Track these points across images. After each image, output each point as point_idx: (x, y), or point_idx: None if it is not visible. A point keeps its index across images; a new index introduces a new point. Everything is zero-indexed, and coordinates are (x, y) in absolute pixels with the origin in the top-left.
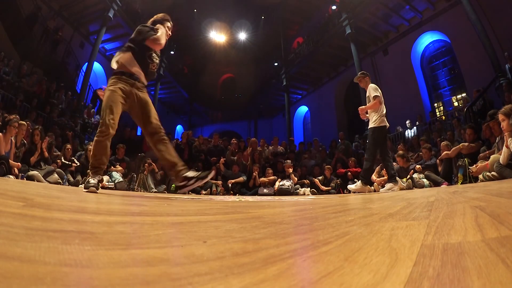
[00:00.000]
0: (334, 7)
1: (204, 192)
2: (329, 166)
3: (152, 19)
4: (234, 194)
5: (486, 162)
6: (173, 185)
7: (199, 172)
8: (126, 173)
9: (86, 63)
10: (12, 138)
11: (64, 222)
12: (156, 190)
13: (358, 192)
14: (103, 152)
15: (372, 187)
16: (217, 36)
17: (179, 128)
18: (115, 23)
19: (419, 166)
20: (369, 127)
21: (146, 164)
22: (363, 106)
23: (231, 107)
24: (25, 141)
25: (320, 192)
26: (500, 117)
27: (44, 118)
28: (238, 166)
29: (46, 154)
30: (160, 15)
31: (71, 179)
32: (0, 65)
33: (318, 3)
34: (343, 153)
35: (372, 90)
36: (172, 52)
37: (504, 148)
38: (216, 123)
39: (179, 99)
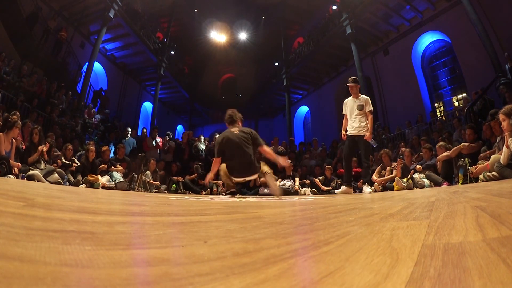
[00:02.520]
0: (334, 7)
1: (204, 192)
2: (329, 166)
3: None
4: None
5: (487, 163)
6: (173, 185)
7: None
8: (127, 173)
9: (87, 63)
10: (13, 138)
11: (64, 222)
12: (156, 190)
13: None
14: None
15: (372, 187)
16: (218, 36)
17: (179, 128)
18: (116, 23)
19: (420, 166)
20: (364, 136)
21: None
22: (369, 130)
23: (231, 107)
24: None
25: (320, 192)
26: (501, 117)
27: (45, 118)
28: None
29: (46, 157)
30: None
31: (72, 179)
32: (1, 65)
33: (319, 3)
34: None
35: (370, 103)
36: (172, 52)
37: (505, 148)
38: (216, 123)
39: (180, 99)
